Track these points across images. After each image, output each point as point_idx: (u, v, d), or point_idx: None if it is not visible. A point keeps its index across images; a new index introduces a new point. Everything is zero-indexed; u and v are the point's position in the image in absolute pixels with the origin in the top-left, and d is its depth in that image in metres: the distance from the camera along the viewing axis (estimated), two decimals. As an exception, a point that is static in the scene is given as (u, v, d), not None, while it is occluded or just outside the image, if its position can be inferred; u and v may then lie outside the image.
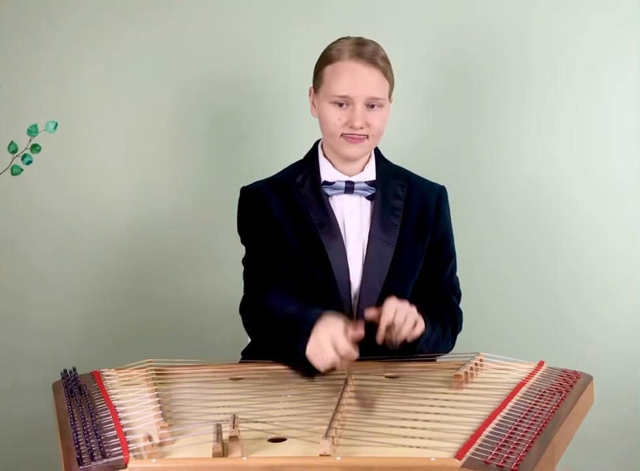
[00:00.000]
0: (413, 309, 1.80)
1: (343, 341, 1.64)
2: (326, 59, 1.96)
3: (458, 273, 2.10)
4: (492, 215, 2.66)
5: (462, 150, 2.65)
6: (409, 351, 1.84)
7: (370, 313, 1.80)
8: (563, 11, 2.60)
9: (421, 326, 1.80)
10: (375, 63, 1.92)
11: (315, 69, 2.00)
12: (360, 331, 1.68)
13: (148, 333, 2.68)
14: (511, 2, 2.61)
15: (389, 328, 1.76)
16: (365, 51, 1.92)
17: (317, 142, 2.06)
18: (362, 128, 1.92)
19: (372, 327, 1.95)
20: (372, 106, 1.93)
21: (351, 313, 1.95)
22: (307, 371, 1.74)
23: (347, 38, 1.97)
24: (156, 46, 2.65)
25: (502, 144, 2.65)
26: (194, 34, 2.65)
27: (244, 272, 2.02)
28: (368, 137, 1.94)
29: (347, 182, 1.99)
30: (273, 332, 1.83)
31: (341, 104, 1.93)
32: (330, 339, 1.65)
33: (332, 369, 1.71)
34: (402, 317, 1.77)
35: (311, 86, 2.01)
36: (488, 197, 2.65)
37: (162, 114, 2.68)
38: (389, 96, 1.98)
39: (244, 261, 2.03)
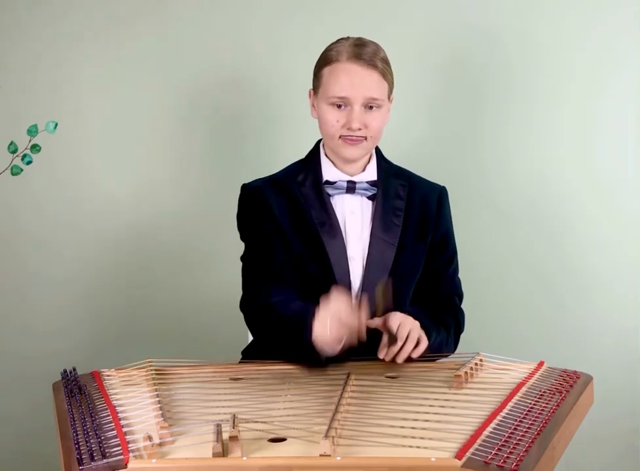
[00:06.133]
0: (417, 324, 1.81)
1: (348, 313, 1.65)
2: (324, 60, 1.96)
3: (459, 273, 2.10)
4: (493, 215, 2.65)
5: (464, 150, 2.65)
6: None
7: (374, 322, 1.80)
8: (566, 10, 2.59)
9: (424, 344, 1.81)
10: (373, 64, 1.91)
11: (314, 70, 1.99)
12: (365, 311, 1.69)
13: (148, 333, 2.67)
14: (513, 1, 2.61)
15: (391, 342, 1.77)
16: (364, 52, 1.92)
17: (319, 141, 2.06)
18: (360, 129, 1.92)
19: (374, 329, 1.96)
20: (371, 107, 1.93)
21: None
22: (317, 360, 1.75)
23: (347, 38, 1.96)
24: (156, 46, 2.65)
25: (505, 144, 2.64)
26: (194, 35, 2.65)
27: (242, 268, 2.02)
28: (366, 139, 1.94)
29: (348, 181, 1.99)
30: (278, 329, 1.83)
31: (339, 106, 1.93)
32: (333, 315, 1.66)
33: (344, 353, 1.72)
34: (405, 332, 1.77)
35: (311, 87, 2.02)
36: (490, 198, 2.65)
37: (163, 114, 2.68)
38: (389, 97, 1.98)
39: (243, 258, 2.02)
